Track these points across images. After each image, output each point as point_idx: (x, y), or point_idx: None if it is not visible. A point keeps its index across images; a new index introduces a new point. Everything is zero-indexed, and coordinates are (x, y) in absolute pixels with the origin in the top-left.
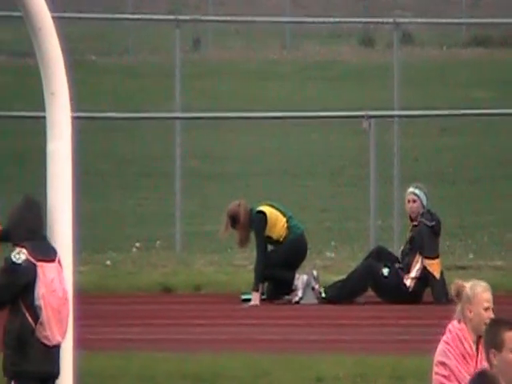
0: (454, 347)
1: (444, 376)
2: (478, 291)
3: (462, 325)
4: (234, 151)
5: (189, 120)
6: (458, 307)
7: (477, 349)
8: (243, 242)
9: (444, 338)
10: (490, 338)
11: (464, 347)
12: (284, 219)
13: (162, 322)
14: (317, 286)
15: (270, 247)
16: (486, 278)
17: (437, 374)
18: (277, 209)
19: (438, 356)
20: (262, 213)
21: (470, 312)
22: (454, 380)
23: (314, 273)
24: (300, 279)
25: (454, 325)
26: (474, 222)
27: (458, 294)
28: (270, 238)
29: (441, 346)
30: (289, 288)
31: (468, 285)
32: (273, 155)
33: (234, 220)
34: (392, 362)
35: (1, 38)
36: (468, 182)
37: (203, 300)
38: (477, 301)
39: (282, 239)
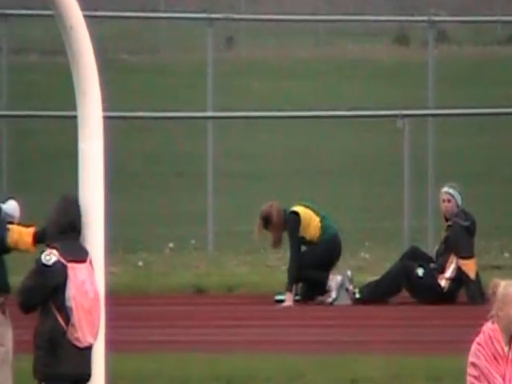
0: (486, 348)
1: (474, 377)
2: (510, 291)
3: (495, 325)
4: (266, 150)
5: (221, 119)
6: (494, 306)
7: (509, 350)
8: (277, 243)
9: (477, 338)
10: None
11: (495, 348)
12: (317, 219)
13: (195, 323)
14: (351, 287)
15: (303, 248)
16: None
17: (469, 375)
18: (310, 209)
19: (470, 357)
20: (296, 213)
21: (501, 311)
22: (483, 381)
23: (349, 273)
24: (334, 280)
25: (487, 325)
26: (509, 222)
27: (493, 292)
28: (303, 238)
29: (473, 347)
30: (323, 289)
31: (502, 284)
32: (306, 154)
33: (266, 221)
34: (427, 363)
35: (32, 36)
36: (503, 181)
37: (236, 301)
38: (508, 300)
39: (315, 239)
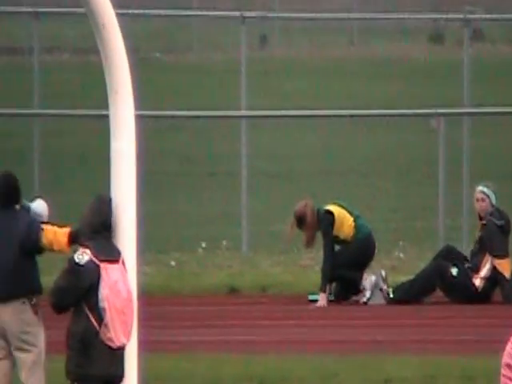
0: None
1: (509, 378)
2: None
3: None
4: (300, 150)
5: (255, 118)
6: None
7: None
8: (310, 243)
9: (511, 339)
10: None
11: None
12: (351, 219)
13: (228, 323)
14: (385, 287)
15: (337, 247)
16: None
17: (503, 376)
18: (344, 208)
19: (504, 357)
20: (330, 212)
21: None
22: None
23: (383, 273)
24: (368, 280)
25: None
26: None
27: None
28: (337, 237)
29: (508, 348)
30: (356, 288)
31: None
32: (340, 154)
33: (300, 220)
34: (461, 363)
35: (64, 35)
36: None
37: (269, 301)
38: None
39: (349, 239)
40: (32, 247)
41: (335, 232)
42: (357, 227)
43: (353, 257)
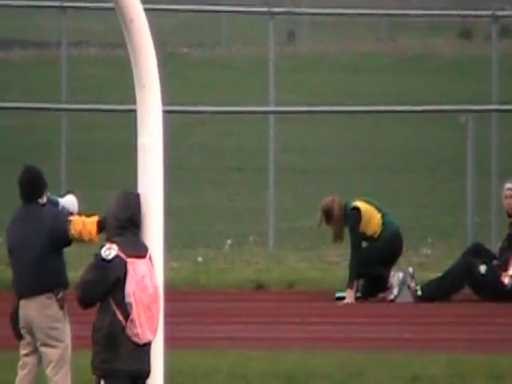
0: None
1: None
2: None
3: None
4: (328, 145)
5: (283, 114)
6: None
7: None
8: (337, 238)
9: None
10: None
11: None
12: (379, 215)
13: (255, 319)
14: (413, 284)
15: (364, 244)
16: None
17: None
18: (372, 204)
19: None
20: (357, 208)
21: None
22: None
23: (410, 270)
24: (396, 277)
25: None
26: None
27: None
28: (364, 233)
29: None
30: (384, 285)
31: None
32: (367, 149)
33: (327, 215)
34: (489, 361)
35: (92, 29)
36: None
37: (296, 297)
38: None
39: (376, 235)
40: (61, 239)
41: (362, 228)
42: (384, 224)
43: (380, 253)
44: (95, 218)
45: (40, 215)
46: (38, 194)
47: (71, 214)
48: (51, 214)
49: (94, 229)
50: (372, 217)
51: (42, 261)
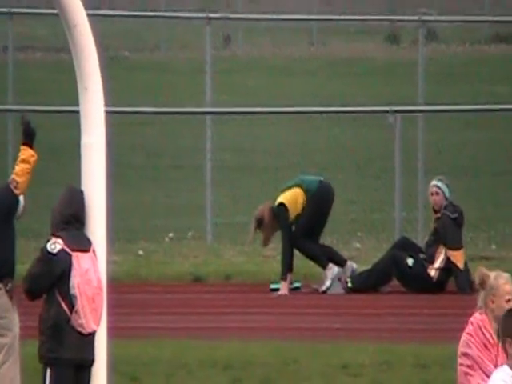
0: (476, 337)
1: (468, 366)
2: (501, 283)
3: (483, 316)
4: (262, 144)
5: (219, 114)
6: (481, 295)
7: (498, 337)
8: (266, 242)
9: (466, 330)
10: (505, 328)
11: (485, 336)
12: (301, 192)
13: (193, 310)
14: (343, 276)
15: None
16: (508, 269)
17: (461, 364)
18: (288, 188)
19: (460, 348)
20: (281, 204)
21: (493, 303)
22: (477, 369)
23: (354, 266)
24: (331, 270)
25: (475, 317)
26: (496, 214)
27: (482, 282)
28: (299, 215)
29: (463, 338)
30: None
31: (492, 275)
32: (300, 148)
33: (259, 222)
34: (416, 351)
35: (37, 34)
36: (490, 174)
37: (233, 289)
38: (500, 293)
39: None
40: (12, 201)
41: (295, 212)
42: (306, 191)
43: (313, 212)
44: (21, 153)
45: None
46: None
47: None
48: None
49: (28, 152)
50: (297, 199)
51: None
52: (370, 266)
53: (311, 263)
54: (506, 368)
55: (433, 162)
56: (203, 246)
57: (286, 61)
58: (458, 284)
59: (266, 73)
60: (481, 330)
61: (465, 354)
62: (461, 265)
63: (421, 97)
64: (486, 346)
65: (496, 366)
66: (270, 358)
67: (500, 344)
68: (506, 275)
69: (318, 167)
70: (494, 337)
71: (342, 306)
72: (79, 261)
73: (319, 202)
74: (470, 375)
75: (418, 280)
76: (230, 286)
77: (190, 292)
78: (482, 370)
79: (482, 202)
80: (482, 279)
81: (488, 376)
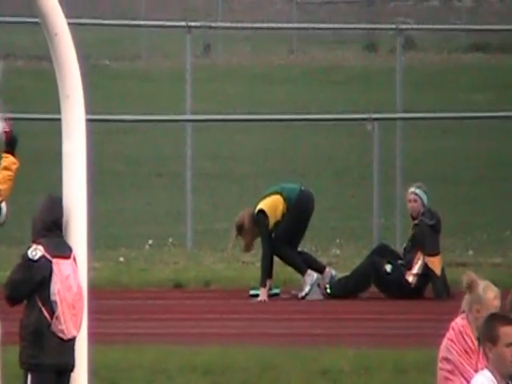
0: (457, 343)
1: (448, 371)
2: (491, 297)
3: (465, 321)
4: (242, 152)
5: (199, 122)
6: (467, 299)
7: (479, 344)
8: (248, 248)
9: (447, 335)
10: (486, 333)
11: (466, 342)
12: (281, 198)
13: (173, 316)
14: (322, 283)
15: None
16: (485, 275)
17: (441, 369)
18: (268, 196)
19: (441, 352)
20: (260, 211)
21: (478, 312)
22: (457, 374)
23: (333, 272)
24: (310, 276)
25: (456, 322)
26: (473, 221)
27: (470, 287)
28: (278, 222)
29: (444, 343)
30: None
31: (481, 285)
32: (280, 156)
33: (240, 229)
34: (394, 356)
35: (19, 42)
36: (468, 182)
37: (213, 295)
38: (487, 306)
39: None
40: None
41: (275, 219)
42: (286, 197)
43: (291, 222)
44: (4, 159)
45: None
46: None
47: None
48: None
49: (9, 160)
50: (277, 206)
51: None
52: (348, 273)
53: (290, 269)
54: (486, 372)
55: (411, 169)
56: (183, 253)
57: (265, 69)
58: (435, 290)
59: (246, 81)
60: (462, 335)
61: (445, 359)
62: (438, 271)
63: (399, 104)
64: (466, 352)
65: (476, 371)
66: (249, 364)
67: (480, 349)
68: (495, 289)
69: (298, 174)
70: (476, 343)
71: (320, 312)
72: (60, 267)
73: (299, 209)
74: (450, 380)
75: (396, 286)
76: (210, 292)
77: (170, 298)
78: (463, 375)
79: (459, 209)
80: (469, 284)
81: (468, 381)
